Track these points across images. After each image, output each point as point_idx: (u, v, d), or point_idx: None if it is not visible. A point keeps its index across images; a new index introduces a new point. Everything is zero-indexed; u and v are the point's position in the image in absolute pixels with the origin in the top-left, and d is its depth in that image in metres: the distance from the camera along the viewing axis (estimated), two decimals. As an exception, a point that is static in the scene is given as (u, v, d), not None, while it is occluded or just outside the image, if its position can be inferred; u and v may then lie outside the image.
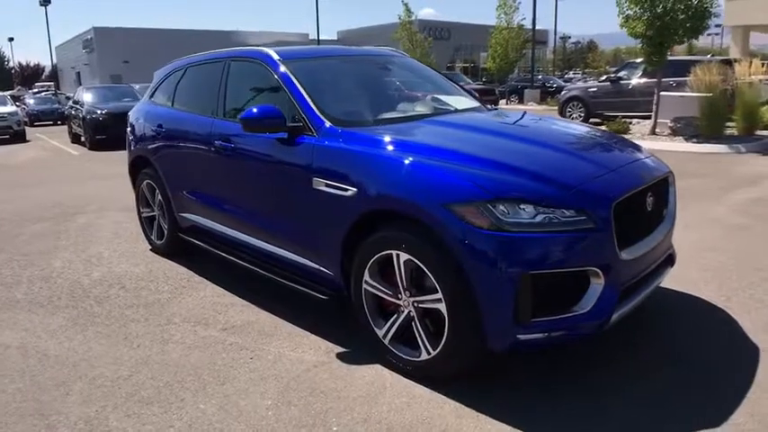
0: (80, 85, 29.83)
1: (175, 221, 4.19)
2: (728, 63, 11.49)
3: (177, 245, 4.36)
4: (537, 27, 31.69)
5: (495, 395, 2.41)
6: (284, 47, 3.56)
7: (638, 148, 3.08)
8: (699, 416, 2.22)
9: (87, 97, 13.93)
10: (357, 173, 2.59)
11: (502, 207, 2.21)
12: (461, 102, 3.66)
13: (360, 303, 2.72)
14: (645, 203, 2.60)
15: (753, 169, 7.44)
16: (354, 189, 2.58)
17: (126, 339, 3.08)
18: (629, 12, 10.13)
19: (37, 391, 2.58)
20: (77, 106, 13.96)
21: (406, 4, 33.52)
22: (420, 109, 3.40)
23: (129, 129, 4.76)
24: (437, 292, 2.35)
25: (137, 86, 15.94)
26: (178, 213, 4.11)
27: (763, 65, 11.77)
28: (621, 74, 14.23)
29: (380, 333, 2.67)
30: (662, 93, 10.58)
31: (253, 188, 3.28)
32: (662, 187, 2.82)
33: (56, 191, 7.70)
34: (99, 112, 12.97)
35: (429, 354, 2.47)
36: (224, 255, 3.65)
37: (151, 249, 4.68)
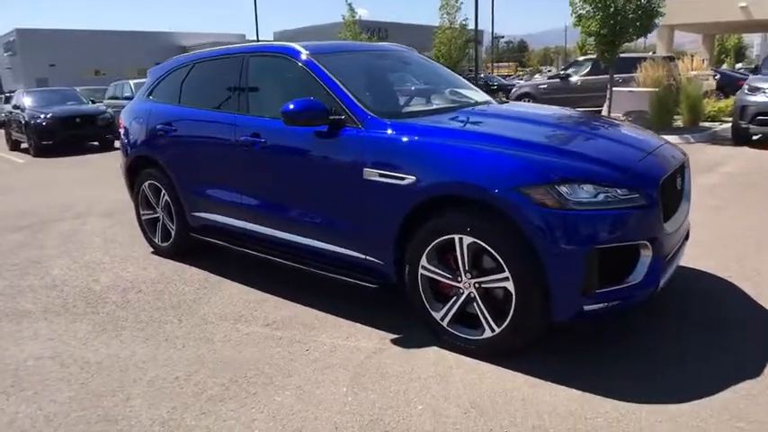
0: (1, 92, 27.85)
1: (186, 222, 4.08)
2: (671, 59, 12.36)
3: (185, 246, 4.25)
4: (470, 28, 32.54)
5: (555, 365, 2.55)
6: (308, 41, 3.55)
7: (653, 133, 3.33)
8: (721, 365, 2.47)
9: (29, 101, 13.05)
10: (416, 162, 2.66)
11: (567, 188, 2.36)
12: (477, 95, 3.80)
13: (415, 289, 2.79)
14: (675, 182, 2.84)
15: (706, 157, 8.07)
16: (413, 177, 2.65)
17: (168, 341, 2.99)
18: (582, 11, 10.72)
19: (93, 398, 2.47)
20: (18, 111, 13.06)
21: (350, 5, 33.61)
22: (447, 101, 3.51)
23: (123, 129, 4.57)
24: (503, 271, 2.47)
25: (78, 89, 15.11)
26: (191, 213, 4.00)
27: (703, 61, 12.71)
28: (569, 71, 14.98)
29: (438, 316, 2.75)
30: (614, 88, 11.24)
31: (288, 182, 3.26)
32: (683, 168, 3.08)
33: (19, 200, 7.21)
34: (43, 116, 12.19)
35: (493, 331, 2.58)
36: (251, 252, 3.60)
37: (153, 252, 4.52)
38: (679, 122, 10.75)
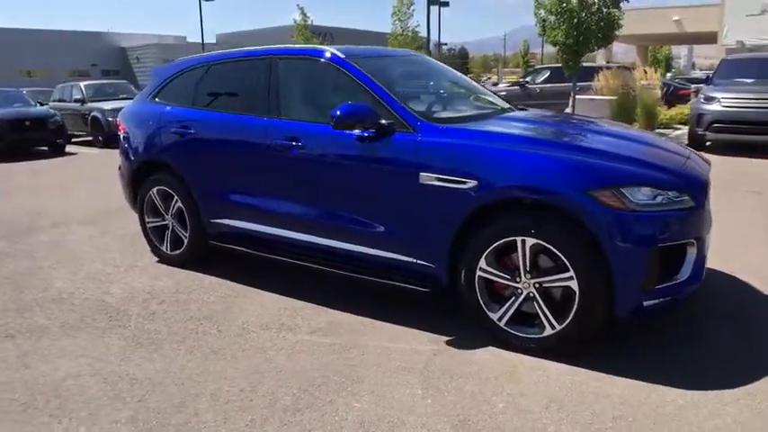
0: None
1: (202, 229, 3.94)
2: (627, 69, 13.09)
3: (199, 254, 4.10)
4: (421, 35, 33.00)
5: (610, 359, 2.67)
6: (343, 46, 3.53)
7: (676, 141, 3.54)
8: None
9: (-31, 103, 12.09)
10: (478, 166, 2.71)
11: (629, 191, 2.49)
12: (499, 101, 3.91)
13: (472, 291, 2.84)
14: (707, 185, 3.04)
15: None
16: (474, 182, 2.70)
17: (215, 353, 2.88)
18: (546, 22, 11.19)
19: (158, 415, 2.35)
20: (-44, 113, 12.06)
21: (301, 9, 33.38)
22: (478, 106, 3.59)
23: (124, 133, 4.36)
24: (567, 270, 2.56)
25: (24, 91, 14.17)
26: (210, 220, 3.87)
27: (655, 70, 13.54)
28: (528, 79, 15.55)
29: (495, 317, 2.81)
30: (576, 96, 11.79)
31: (329, 187, 3.23)
32: None
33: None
34: (-12, 119, 11.34)
35: (554, 328, 2.66)
36: (280, 259, 3.54)
37: (159, 261, 4.33)
38: (636, 128, 11.41)
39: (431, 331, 3.03)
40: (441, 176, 2.79)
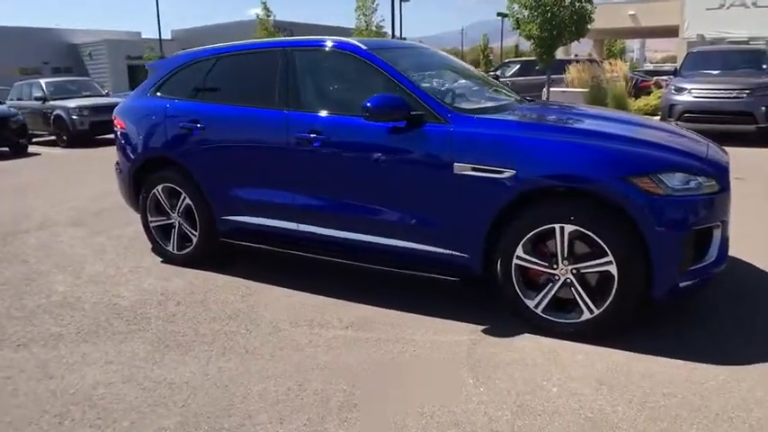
0: None
1: (214, 226, 3.82)
2: (596, 62, 13.45)
3: (209, 253, 3.98)
4: (384, 30, 32.86)
5: (643, 340, 2.74)
6: (363, 38, 3.48)
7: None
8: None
9: None
10: (515, 156, 2.73)
11: (665, 176, 2.56)
12: (511, 92, 3.94)
13: (508, 279, 2.86)
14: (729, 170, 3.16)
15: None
16: (512, 171, 2.71)
17: (250, 353, 2.81)
18: (520, 16, 11.38)
19: (208, 420, 2.27)
20: None
21: (264, 3, 32.78)
22: (497, 98, 3.60)
23: (122, 130, 4.18)
24: (606, 255, 2.62)
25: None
26: (221, 217, 3.75)
27: (626, 63, 13.95)
28: (498, 72, 15.77)
29: (531, 304, 2.85)
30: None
31: (357, 179, 3.18)
32: None
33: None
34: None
35: (592, 312, 2.72)
36: (300, 253, 3.48)
37: (164, 261, 4.18)
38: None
39: (464, 321, 3.04)
40: (477, 166, 2.80)
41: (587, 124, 2.98)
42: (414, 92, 3.02)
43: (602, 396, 2.33)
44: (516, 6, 11.31)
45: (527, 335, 2.87)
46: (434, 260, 3.07)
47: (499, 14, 50.21)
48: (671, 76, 10.99)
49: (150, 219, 4.15)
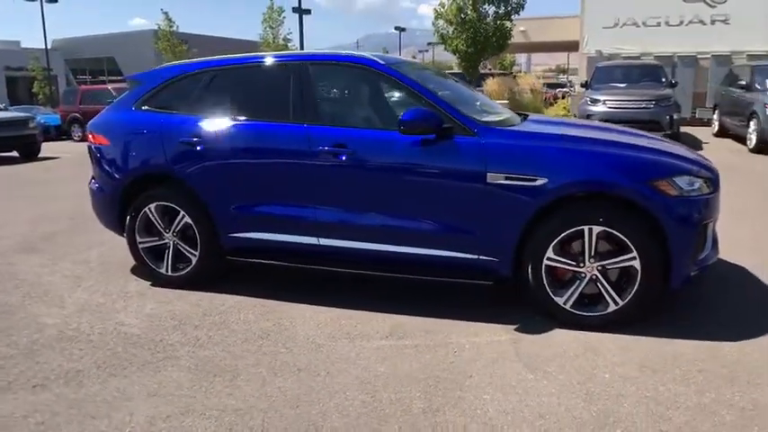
0: None
1: (218, 245, 3.67)
2: (511, 75, 14.42)
3: (210, 272, 3.81)
4: (289, 43, 32.43)
5: (661, 325, 3.08)
6: (379, 53, 3.54)
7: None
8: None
9: None
10: (546, 165, 2.95)
11: (678, 179, 2.93)
12: (503, 108, 4.21)
13: (539, 279, 3.08)
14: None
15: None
16: (544, 179, 2.94)
17: (303, 371, 2.75)
18: (444, 32, 11.96)
19: (295, 438, 2.23)
20: None
21: (166, 14, 31.21)
22: (502, 111, 3.83)
23: (104, 144, 3.88)
24: (631, 251, 2.92)
25: None
26: (229, 234, 3.62)
27: (538, 77, 15.07)
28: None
29: (561, 301, 3.09)
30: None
31: (387, 191, 3.23)
32: None
33: None
34: None
35: (617, 305, 3.01)
36: (316, 268, 3.46)
37: (155, 284, 3.92)
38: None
39: (494, 322, 3.21)
40: (510, 176, 2.99)
41: (601, 135, 3.31)
42: (441, 106, 3.15)
43: (650, 377, 2.61)
44: (441, 22, 11.86)
45: (558, 330, 3.11)
46: (463, 266, 3.21)
47: (396, 28, 51.70)
48: (569, 88, 12.08)
49: (139, 240, 3.87)
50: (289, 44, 33.44)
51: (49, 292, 3.88)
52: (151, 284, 3.95)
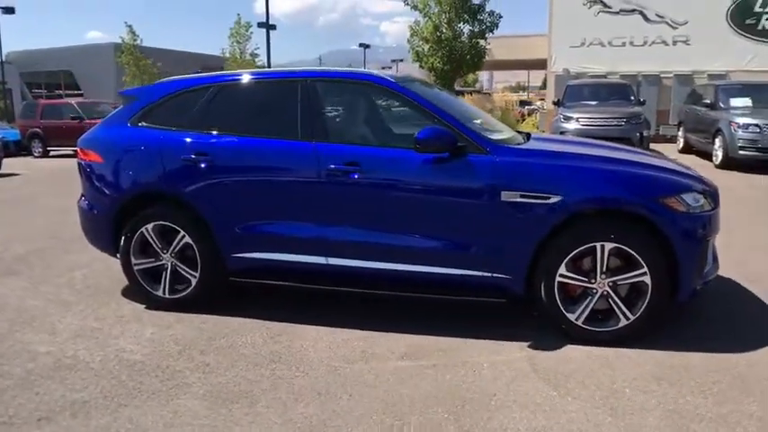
0: None
1: (221, 265, 3.56)
2: (485, 93, 14.71)
3: (210, 294, 3.69)
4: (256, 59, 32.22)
5: (666, 340, 3.15)
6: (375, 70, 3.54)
7: None
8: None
9: None
10: (561, 183, 3.00)
11: (686, 196, 3.02)
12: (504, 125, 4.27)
13: (552, 296, 3.11)
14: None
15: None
16: (559, 197, 2.98)
17: (324, 395, 2.68)
18: (419, 49, 12.14)
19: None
20: None
21: (129, 26, 30.54)
22: (505, 129, 3.87)
23: (97, 162, 3.73)
24: (642, 267, 2.99)
25: None
26: (232, 255, 3.52)
27: (501, 93, 15.45)
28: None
29: (573, 317, 3.12)
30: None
31: (401, 209, 3.21)
32: None
33: None
34: None
35: (628, 319, 3.07)
36: (325, 288, 3.41)
37: (149, 307, 3.77)
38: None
39: (506, 339, 3.21)
40: (524, 194, 3.03)
41: (609, 153, 3.40)
42: (453, 124, 3.18)
43: (669, 390, 2.66)
44: (417, 40, 12.05)
45: (570, 345, 3.14)
46: (476, 284, 3.22)
47: (361, 45, 52.15)
48: (537, 106, 12.45)
49: (134, 261, 3.72)
50: (256, 59, 33.23)
51: (36, 318, 3.67)
52: (146, 307, 3.79)
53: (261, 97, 3.58)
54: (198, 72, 4.15)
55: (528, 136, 3.70)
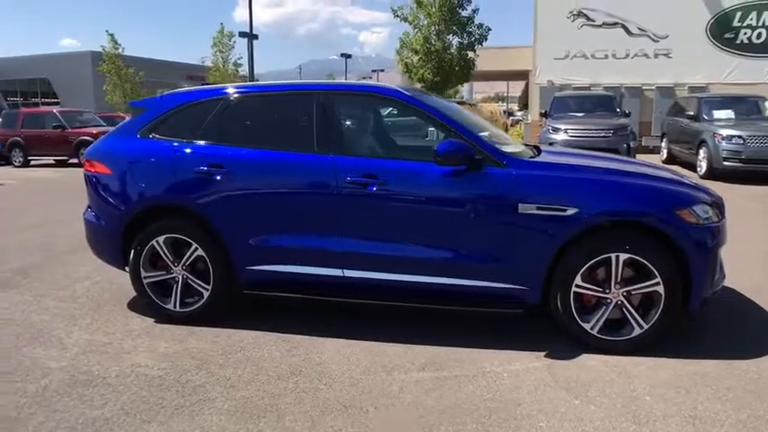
0: None
1: (233, 278, 3.54)
2: (471, 104, 14.89)
3: (222, 307, 3.67)
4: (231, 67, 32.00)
5: (676, 347, 3.23)
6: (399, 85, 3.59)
7: None
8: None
9: None
10: (577, 195, 3.07)
11: (697, 208, 3.12)
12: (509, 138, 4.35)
13: (567, 306, 3.17)
14: None
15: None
16: (575, 209, 3.05)
17: (349, 408, 2.68)
18: (408, 60, 12.27)
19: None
20: None
21: (111, 35, 30.18)
22: (514, 143, 3.94)
23: (105, 174, 3.69)
24: (655, 277, 3.07)
25: None
26: (246, 267, 3.50)
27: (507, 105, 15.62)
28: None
29: (588, 326, 3.18)
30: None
31: (419, 221, 3.24)
32: None
33: None
34: None
35: (642, 328, 3.14)
36: (338, 299, 3.41)
37: (158, 321, 3.72)
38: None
39: (521, 349, 3.26)
40: (541, 206, 3.09)
41: (621, 166, 3.48)
42: (470, 138, 3.23)
43: (687, 397, 2.73)
44: (406, 52, 12.17)
45: (584, 355, 3.19)
46: (494, 295, 3.26)
47: (342, 55, 52.29)
48: (522, 117, 12.64)
49: (144, 274, 3.67)
50: (239, 68, 33.08)
51: (43, 332, 3.59)
52: (155, 321, 3.75)
53: (276, 110, 3.59)
54: (205, 84, 4.14)
55: (537, 149, 3.78)
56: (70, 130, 15.78)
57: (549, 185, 3.14)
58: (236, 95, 3.67)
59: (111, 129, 16.52)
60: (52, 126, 15.81)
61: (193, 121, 3.65)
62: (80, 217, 4.03)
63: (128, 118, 3.95)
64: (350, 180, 3.27)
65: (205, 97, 3.71)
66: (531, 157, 3.44)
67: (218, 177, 3.45)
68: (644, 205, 3.07)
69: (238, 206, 3.47)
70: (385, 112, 3.53)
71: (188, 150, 3.56)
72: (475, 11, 15.06)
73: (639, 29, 16.57)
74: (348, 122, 3.46)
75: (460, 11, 13.52)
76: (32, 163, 16.66)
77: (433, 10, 13.17)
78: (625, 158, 4.05)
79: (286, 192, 3.42)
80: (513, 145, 3.75)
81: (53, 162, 16.61)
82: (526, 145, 4.11)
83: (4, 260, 5.33)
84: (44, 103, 37.62)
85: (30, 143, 16.15)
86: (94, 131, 15.68)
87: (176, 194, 3.55)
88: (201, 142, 3.58)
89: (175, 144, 3.61)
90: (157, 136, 3.69)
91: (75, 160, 15.73)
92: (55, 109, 17.60)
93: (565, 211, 3.07)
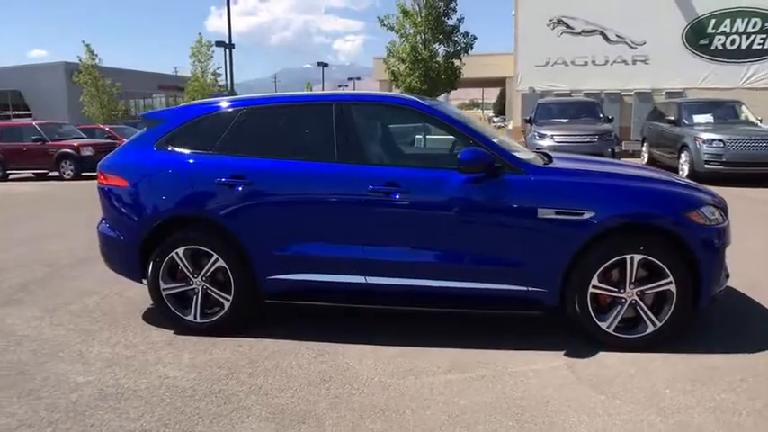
0: None
1: (255, 288, 3.58)
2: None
3: (244, 317, 3.70)
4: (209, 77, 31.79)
5: (687, 343, 3.39)
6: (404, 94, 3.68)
7: None
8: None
9: None
10: (593, 200, 3.20)
11: (705, 210, 3.29)
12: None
13: (584, 307, 3.29)
14: None
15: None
16: (592, 213, 3.18)
17: (386, 411, 2.74)
18: (395, 69, 12.41)
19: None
20: None
21: (87, 46, 29.69)
22: (525, 150, 4.06)
23: (122, 186, 3.69)
24: (668, 276, 3.21)
25: None
26: (268, 277, 3.54)
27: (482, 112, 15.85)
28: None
29: (605, 326, 3.31)
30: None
31: (440, 228, 3.33)
32: None
33: None
34: None
35: (655, 325, 3.28)
36: (363, 306, 3.47)
37: (178, 332, 3.72)
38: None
39: (540, 349, 3.36)
40: (560, 210, 3.21)
41: (632, 171, 3.64)
42: (488, 145, 3.34)
43: (704, 389, 2.87)
44: (393, 60, 12.32)
45: (602, 353, 3.32)
46: (513, 298, 3.36)
47: (320, 64, 52.37)
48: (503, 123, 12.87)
49: (163, 286, 3.68)
50: (218, 78, 32.85)
51: (62, 347, 3.57)
52: (175, 332, 3.75)
53: (295, 120, 3.64)
54: (222, 94, 4.18)
55: (548, 156, 3.91)
56: (50, 142, 15.47)
57: (567, 191, 3.27)
58: (254, 107, 3.71)
59: (91, 141, 16.41)
60: (32, 139, 15.48)
61: (212, 132, 3.68)
62: (73, 230, 4.02)
63: (141, 131, 3.95)
64: (372, 189, 3.35)
65: (222, 109, 3.75)
66: (545, 164, 3.57)
67: (240, 188, 3.49)
68: (656, 208, 3.22)
69: (260, 216, 3.51)
70: (405, 122, 3.63)
71: (207, 162, 3.60)
72: (460, 20, 15.54)
73: (617, 36, 17.08)
74: (367, 132, 3.54)
75: (446, 20, 13.81)
76: (11, 177, 16.29)
77: (419, 19, 13.44)
78: (629, 163, 4.21)
79: (308, 202, 3.48)
80: (524, 152, 3.88)
81: (32, 175, 16.27)
82: (537, 152, 4.26)
83: (4, 276, 5.24)
84: (15, 116, 36.73)
85: (8, 156, 15.77)
86: (75, 144, 15.45)
87: (196, 206, 3.58)
88: (220, 154, 3.61)
89: (194, 155, 3.64)
90: (175, 148, 3.71)
91: (55, 173, 15.46)
92: (34, 122, 17.18)
93: (582, 215, 3.20)
